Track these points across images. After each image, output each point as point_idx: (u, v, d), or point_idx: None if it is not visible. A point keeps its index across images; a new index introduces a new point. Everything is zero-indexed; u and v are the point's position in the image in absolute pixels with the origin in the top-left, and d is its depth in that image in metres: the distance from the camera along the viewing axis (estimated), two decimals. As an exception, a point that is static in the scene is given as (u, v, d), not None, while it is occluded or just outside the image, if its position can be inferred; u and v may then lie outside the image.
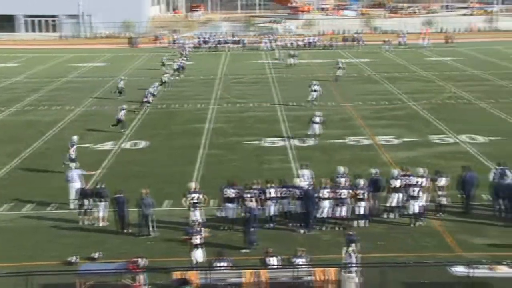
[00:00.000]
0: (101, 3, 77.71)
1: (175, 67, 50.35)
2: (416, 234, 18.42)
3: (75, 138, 25.54)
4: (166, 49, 67.19)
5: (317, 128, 29.15)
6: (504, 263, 14.90)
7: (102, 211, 19.25)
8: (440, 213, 19.79)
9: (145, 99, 37.27)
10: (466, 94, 39.94)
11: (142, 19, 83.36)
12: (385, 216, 19.59)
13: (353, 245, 15.07)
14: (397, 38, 68.47)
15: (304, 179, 20.20)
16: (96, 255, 16.87)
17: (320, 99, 37.23)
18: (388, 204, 19.54)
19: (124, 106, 32.85)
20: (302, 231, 18.71)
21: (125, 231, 18.70)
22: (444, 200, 19.83)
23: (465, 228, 18.77)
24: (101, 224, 19.22)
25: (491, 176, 20.47)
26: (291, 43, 69.54)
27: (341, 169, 20.36)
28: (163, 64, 50.90)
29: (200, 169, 25.11)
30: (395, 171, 19.98)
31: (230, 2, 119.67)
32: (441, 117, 33.44)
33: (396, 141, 28.81)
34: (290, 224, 19.10)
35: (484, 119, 33.36)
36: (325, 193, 18.97)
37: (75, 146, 24.49)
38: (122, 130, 30.98)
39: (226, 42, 70.16)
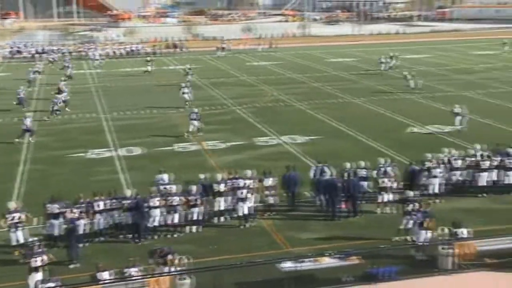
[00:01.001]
0: None
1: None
2: (247, 235, 18.92)
3: None
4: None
5: (196, 123, 31.25)
6: (327, 254, 15.80)
7: None
8: (269, 213, 20.46)
9: None
10: (286, 97, 41.81)
11: None
12: (216, 220, 19.83)
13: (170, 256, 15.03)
14: (221, 44, 69.98)
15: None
16: None
17: (147, 106, 37.09)
18: (216, 209, 19.80)
19: None
20: (134, 242, 18.38)
21: None
22: (271, 200, 20.54)
23: (292, 225, 19.62)
24: None
25: (311, 173, 21.47)
26: (114, 52, 68.18)
27: (166, 176, 20.29)
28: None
29: (21, 186, 23.71)
30: (219, 176, 20.25)
31: (46, 10, 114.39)
32: (264, 120, 34.67)
33: (223, 146, 29.36)
34: (121, 236, 18.66)
35: (303, 119, 35.05)
36: (156, 201, 18.80)
37: None
38: None
39: (43, 52, 66.87)
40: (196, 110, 32.63)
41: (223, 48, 67.41)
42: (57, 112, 36.60)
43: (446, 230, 16.66)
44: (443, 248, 16.06)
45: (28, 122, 30.86)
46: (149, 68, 54.19)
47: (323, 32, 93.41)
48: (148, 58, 56.81)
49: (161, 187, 19.61)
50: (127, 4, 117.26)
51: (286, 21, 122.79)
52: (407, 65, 56.25)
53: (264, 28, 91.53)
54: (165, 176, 20.46)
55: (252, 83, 47.03)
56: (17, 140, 30.10)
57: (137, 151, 28.71)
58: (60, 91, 39.73)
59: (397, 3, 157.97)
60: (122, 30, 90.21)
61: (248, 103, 39.54)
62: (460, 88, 44.51)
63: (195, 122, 31.49)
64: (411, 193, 18.93)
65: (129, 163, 26.70)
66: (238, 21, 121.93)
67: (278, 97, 41.81)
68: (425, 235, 17.01)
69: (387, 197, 20.44)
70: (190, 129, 31.20)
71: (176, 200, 18.90)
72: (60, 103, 37.45)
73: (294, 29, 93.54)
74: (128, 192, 19.25)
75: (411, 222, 17.66)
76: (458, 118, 31.30)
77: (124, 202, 18.70)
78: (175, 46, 69.54)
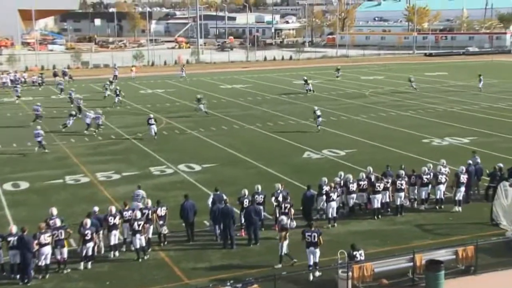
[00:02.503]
0: None
1: None
2: (143, 268, 18.52)
3: None
4: None
5: (153, 129, 37.08)
6: (228, 284, 15.78)
7: None
8: (165, 243, 20.22)
9: None
10: (179, 125, 41.77)
11: None
12: (111, 254, 19.32)
13: None
14: (113, 71, 68.90)
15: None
16: None
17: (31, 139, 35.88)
18: (112, 242, 19.33)
19: None
20: (21, 282, 17.49)
21: None
22: (165, 230, 20.23)
23: (190, 255, 19.42)
24: None
25: (209, 202, 21.41)
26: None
27: (55, 211, 19.54)
28: None
29: None
30: (113, 208, 19.73)
31: None
32: (159, 149, 34.47)
33: (116, 176, 28.81)
34: (12, 276, 17.73)
35: (199, 147, 35.17)
36: (46, 238, 18.04)
37: None
38: None
39: None
40: (152, 115, 38.59)
41: (115, 77, 66.30)
42: None
43: (345, 253, 17.09)
44: (342, 272, 16.48)
45: None
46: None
47: (216, 58, 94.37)
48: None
49: (51, 222, 18.86)
50: (8, 30, 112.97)
51: (179, 47, 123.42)
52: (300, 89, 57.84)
53: (155, 55, 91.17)
54: (54, 210, 19.67)
55: (143, 111, 46.48)
56: None
57: (24, 185, 27.62)
58: None
59: (288, 29, 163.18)
60: (3, 58, 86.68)
61: (142, 132, 39.09)
62: (353, 112, 46.26)
63: (152, 128, 37.20)
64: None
65: (15, 198, 25.58)
66: (129, 48, 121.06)
67: (172, 125, 41.70)
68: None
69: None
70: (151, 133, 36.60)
71: (63, 234, 18.20)
72: None
73: (186, 55, 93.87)
74: (14, 229, 18.28)
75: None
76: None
77: (9, 239, 17.78)
78: (64, 74, 67.59)
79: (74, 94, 51.87)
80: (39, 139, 33.82)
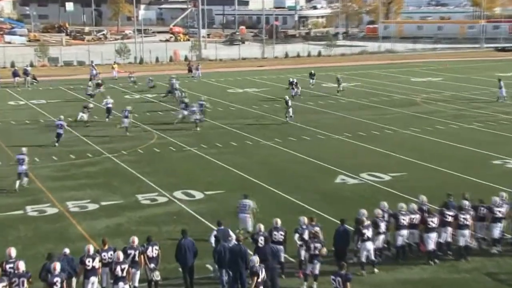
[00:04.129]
0: None
1: None
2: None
3: None
4: None
5: (126, 122, 43.42)
6: None
7: None
8: (156, 292, 20.10)
9: None
10: (175, 140, 42.10)
11: None
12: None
13: None
14: (90, 70, 69.56)
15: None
16: None
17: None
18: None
19: None
20: None
21: None
22: (157, 276, 20.06)
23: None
24: None
25: (212, 240, 21.27)
26: None
27: (13, 252, 19.32)
28: None
29: None
30: (91, 248, 19.54)
31: None
32: (149, 171, 34.70)
33: (92, 206, 28.93)
34: None
35: (201, 169, 35.31)
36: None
37: None
38: None
39: None
40: (128, 111, 44.10)
41: (93, 77, 66.80)
42: None
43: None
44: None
45: None
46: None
47: (222, 54, 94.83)
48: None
49: (7, 267, 18.71)
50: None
51: (176, 40, 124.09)
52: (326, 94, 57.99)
53: (144, 49, 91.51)
54: (13, 250, 19.47)
55: (133, 122, 46.69)
56: None
57: None
58: None
59: (316, 17, 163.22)
60: None
61: (128, 148, 39.32)
62: (401, 124, 46.29)
63: (126, 121, 43.32)
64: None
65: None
66: (110, 40, 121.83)
67: (167, 140, 42.02)
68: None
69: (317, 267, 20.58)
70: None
71: (17, 281, 17.96)
72: None
73: (185, 50, 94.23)
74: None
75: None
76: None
77: None
78: (25, 74, 68.18)
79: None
80: None
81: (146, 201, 29.74)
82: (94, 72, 68.43)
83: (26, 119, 49.43)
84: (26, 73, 68.58)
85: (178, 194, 30.53)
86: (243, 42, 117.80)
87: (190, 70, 75.79)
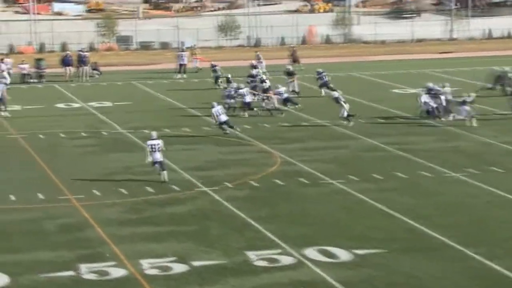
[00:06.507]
0: None
1: None
2: None
3: None
4: None
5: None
6: None
7: None
8: None
9: None
10: (307, 166, 41.89)
11: None
12: None
13: None
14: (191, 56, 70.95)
15: None
16: None
17: None
18: None
19: None
20: None
21: None
22: None
23: None
24: None
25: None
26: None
27: None
28: None
29: None
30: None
31: None
32: (266, 214, 34.67)
33: (178, 267, 28.78)
34: None
35: (343, 213, 34.85)
36: None
37: None
38: None
39: None
40: None
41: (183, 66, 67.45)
42: None
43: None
44: None
45: None
46: None
47: (384, 34, 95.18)
48: None
49: None
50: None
51: (312, 10, 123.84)
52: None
53: (263, 25, 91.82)
54: None
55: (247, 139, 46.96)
56: None
57: (1, 279, 27.90)
58: None
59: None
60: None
61: (234, 179, 39.67)
62: None
63: None
64: None
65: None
66: (208, 12, 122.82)
67: (296, 167, 41.94)
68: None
69: None
70: None
71: None
72: None
73: (324, 28, 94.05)
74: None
75: None
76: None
77: None
78: (81, 62, 68.84)
79: None
80: None
81: (262, 262, 29.38)
82: (185, 60, 68.94)
83: (82, 131, 50.57)
84: (82, 60, 69.47)
85: (312, 252, 30.10)
86: (418, 14, 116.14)
87: (296, 60, 75.29)
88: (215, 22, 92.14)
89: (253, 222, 33.55)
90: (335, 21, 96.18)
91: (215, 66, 68.37)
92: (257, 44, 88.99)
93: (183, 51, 70.87)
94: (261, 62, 69.46)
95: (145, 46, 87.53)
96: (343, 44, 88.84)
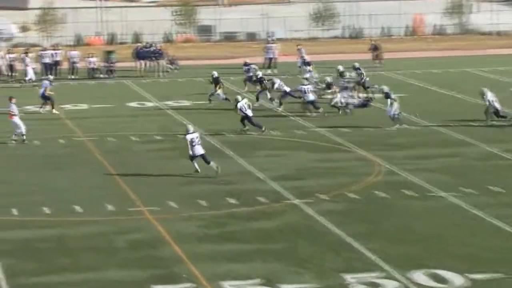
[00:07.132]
0: None
1: None
2: None
3: None
4: None
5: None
6: None
7: None
8: None
9: None
10: (415, 177, 41.60)
11: None
12: None
13: None
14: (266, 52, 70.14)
15: None
16: None
17: None
18: None
19: None
20: None
21: None
22: None
23: None
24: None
25: None
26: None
27: None
28: None
29: None
30: None
31: None
32: (366, 231, 34.28)
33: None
34: None
35: (463, 232, 34.26)
36: None
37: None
38: None
39: None
40: None
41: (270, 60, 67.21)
42: None
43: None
44: None
45: None
46: None
47: (502, 23, 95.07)
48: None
49: None
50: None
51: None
52: None
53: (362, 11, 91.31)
54: None
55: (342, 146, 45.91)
56: None
57: None
58: None
59: None
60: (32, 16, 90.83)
61: (328, 190, 39.11)
62: None
63: None
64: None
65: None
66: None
67: (401, 177, 41.52)
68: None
69: None
70: None
71: None
72: None
73: (436, 16, 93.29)
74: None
75: None
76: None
77: None
78: (157, 55, 68.83)
79: None
80: None
81: (361, 286, 28.83)
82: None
83: (156, 133, 50.90)
84: (158, 53, 69.26)
85: (419, 276, 29.36)
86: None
87: (378, 56, 74.70)
88: (308, 9, 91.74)
89: (351, 240, 33.11)
90: (448, 9, 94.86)
91: (249, 65, 66.60)
92: (358, 36, 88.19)
93: (272, 43, 70.34)
94: (303, 57, 67.82)
95: (228, 37, 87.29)
96: (456, 35, 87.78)
